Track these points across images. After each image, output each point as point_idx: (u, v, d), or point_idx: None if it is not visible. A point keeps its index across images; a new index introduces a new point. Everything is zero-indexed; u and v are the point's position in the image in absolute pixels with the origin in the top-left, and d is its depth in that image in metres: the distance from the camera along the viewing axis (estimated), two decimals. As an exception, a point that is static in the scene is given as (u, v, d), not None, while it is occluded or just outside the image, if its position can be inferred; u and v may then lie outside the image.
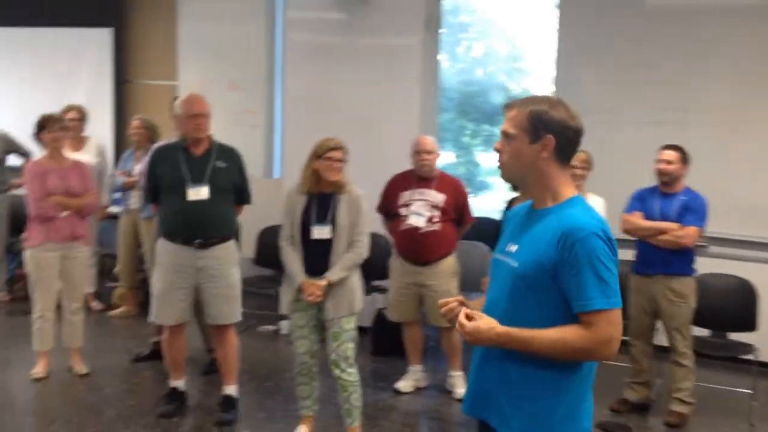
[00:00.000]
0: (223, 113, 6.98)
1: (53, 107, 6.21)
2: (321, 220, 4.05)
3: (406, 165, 4.96)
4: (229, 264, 4.43)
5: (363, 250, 4.11)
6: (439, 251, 4.83)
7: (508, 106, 2.19)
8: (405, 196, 4.87)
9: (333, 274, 4.01)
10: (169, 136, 5.88)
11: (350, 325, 4.11)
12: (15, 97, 7.79)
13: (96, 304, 6.69)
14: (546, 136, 2.10)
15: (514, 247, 2.16)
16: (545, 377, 2.09)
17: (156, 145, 5.02)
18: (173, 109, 5.22)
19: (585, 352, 2.03)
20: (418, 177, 4.89)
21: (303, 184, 4.10)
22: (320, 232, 4.05)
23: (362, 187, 4.14)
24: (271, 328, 6.32)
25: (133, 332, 6.07)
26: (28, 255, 5.02)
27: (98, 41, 7.72)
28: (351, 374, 4.11)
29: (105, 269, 6.99)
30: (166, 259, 4.37)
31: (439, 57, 6.43)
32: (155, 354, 5.41)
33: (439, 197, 4.83)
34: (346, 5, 6.14)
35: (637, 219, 4.63)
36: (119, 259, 6.49)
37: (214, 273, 4.36)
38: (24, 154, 6.66)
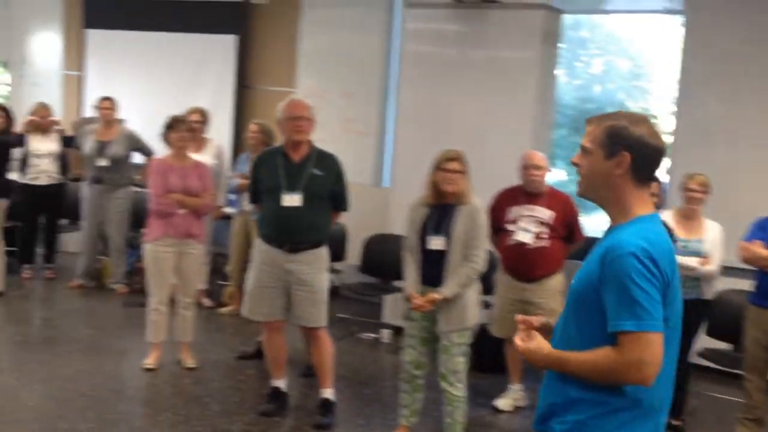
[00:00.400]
0: (336, 121, 7.13)
1: (178, 109, 6.49)
2: (437, 230, 4.11)
3: (517, 179, 4.91)
4: (318, 270, 4.49)
5: (478, 264, 4.09)
6: (546, 268, 4.75)
7: (589, 120, 2.16)
8: (513, 211, 4.81)
9: (448, 289, 4.02)
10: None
11: (462, 339, 4.11)
12: (142, 98, 8.17)
13: (206, 301, 6.89)
14: (621, 153, 2.06)
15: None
16: (584, 398, 2.05)
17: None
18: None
19: (613, 374, 1.98)
20: (526, 192, 4.83)
21: (425, 195, 4.18)
22: (435, 242, 4.10)
23: (472, 200, 4.15)
24: (372, 335, 6.36)
25: (240, 330, 6.24)
26: (146, 249, 5.24)
27: (223, 47, 8.00)
28: (458, 389, 4.11)
29: (217, 268, 7.22)
30: (258, 259, 4.52)
31: (556, 72, 6.33)
32: (260, 353, 5.54)
33: (547, 213, 4.75)
34: (465, 18, 6.14)
35: (757, 248, 4.41)
36: (230, 258, 6.69)
37: (303, 277, 4.43)
38: (147, 152, 6.97)
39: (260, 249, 4.52)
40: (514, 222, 4.79)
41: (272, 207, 4.43)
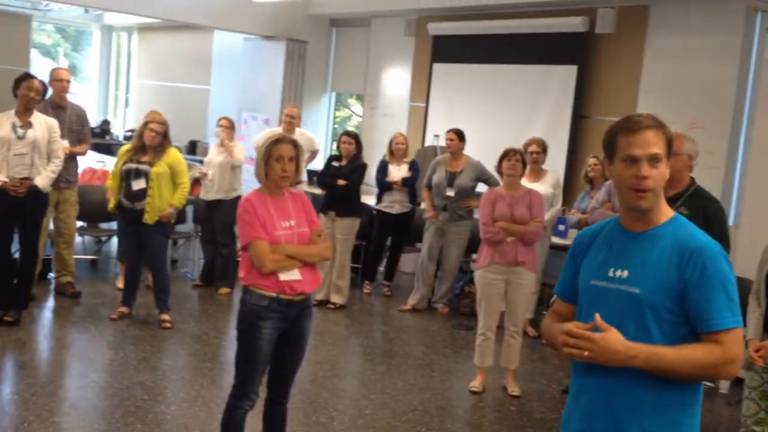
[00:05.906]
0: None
1: (514, 138, 6.62)
2: (783, 276, 3.76)
3: None
4: None
5: None
6: None
7: (647, 127, 2.10)
8: None
9: None
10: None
11: None
12: (480, 128, 8.44)
13: (531, 330, 6.86)
14: (674, 155, 2.17)
15: (623, 273, 2.10)
16: (670, 396, 2.07)
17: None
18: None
19: (711, 369, 2.02)
20: None
21: None
22: None
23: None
24: (710, 384, 5.88)
25: (564, 363, 6.13)
26: (476, 275, 5.38)
27: (562, 78, 7.99)
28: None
29: (544, 298, 7.19)
30: None
31: None
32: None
33: None
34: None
35: None
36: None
37: None
38: (493, 183, 7.11)
39: None
40: None
41: None
